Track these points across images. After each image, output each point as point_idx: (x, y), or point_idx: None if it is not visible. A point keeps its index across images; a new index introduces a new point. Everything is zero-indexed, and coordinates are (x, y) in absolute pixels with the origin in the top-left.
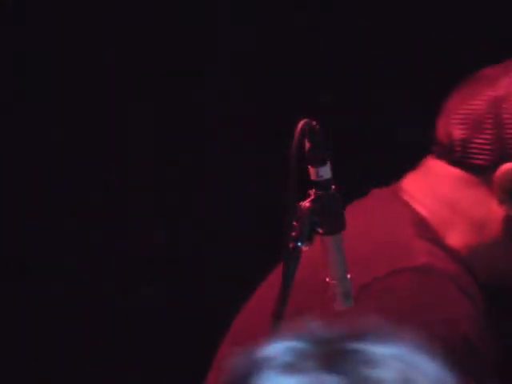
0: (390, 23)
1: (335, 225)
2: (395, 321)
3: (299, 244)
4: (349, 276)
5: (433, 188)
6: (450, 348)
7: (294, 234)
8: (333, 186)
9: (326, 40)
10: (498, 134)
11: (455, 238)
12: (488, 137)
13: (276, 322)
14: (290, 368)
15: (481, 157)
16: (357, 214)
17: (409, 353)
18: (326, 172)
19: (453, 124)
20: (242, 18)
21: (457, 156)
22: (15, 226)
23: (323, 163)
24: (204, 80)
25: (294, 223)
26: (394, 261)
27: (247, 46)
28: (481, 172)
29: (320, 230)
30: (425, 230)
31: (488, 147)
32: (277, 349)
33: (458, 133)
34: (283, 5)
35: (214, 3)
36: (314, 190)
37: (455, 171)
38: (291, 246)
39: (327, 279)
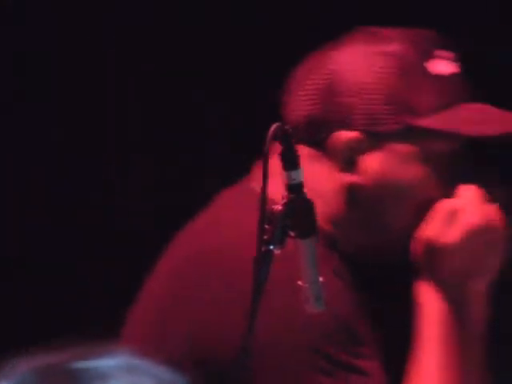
0: None
1: (307, 228)
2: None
3: (271, 247)
4: (321, 279)
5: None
6: (326, 329)
7: (266, 237)
8: (305, 190)
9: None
10: (329, 105)
11: None
12: (322, 111)
13: (249, 328)
14: None
15: (319, 130)
16: (212, 210)
17: (134, 361)
18: (298, 175)
19: (293, 102)
20: (241, 18)
21: (300, 133)
22: (15, 225)
23: (295, 167)
24: (204, 80)
25: (266, 226)
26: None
27: (247, 45)
28: (321, 145)
29: (292, 234)
30: None
31: (324, 120)
32: None
33: (298, 111)
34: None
35: (214, 3)
36: (286, 194)
37: (300, 148)
38: (263, 249)
39: (299, 282)
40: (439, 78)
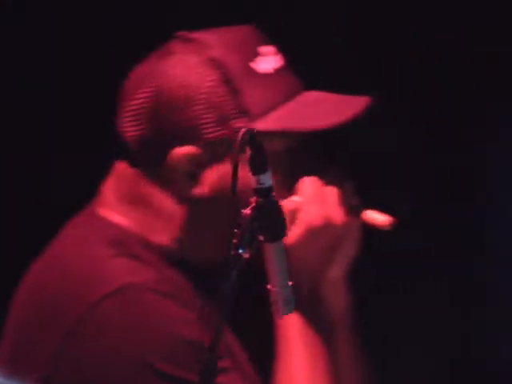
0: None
1: (276, 232)
2: (114, 351)
3: (240, 251)
4: (290, 283)
5: (124, 193)
6: (170, 355)
7: (235, 241)
8: (273, 193)
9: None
10: (158, 124)
11: (159, 236)
12: (151, 131)
13: (217, 330)
14: None
15: (154, 150)
16: (58, 242)
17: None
18: (266, 179)
19: (123, 121)
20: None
21: (133, 154)
22: (15, 225)
23: (264, 171)
24: None
25: (236, 230)
26: (90, 291)
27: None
28: (160, 164)
29: (261, 238)
30: (121, 244)
31: (155, 139)
32: None
33: (128, 132)
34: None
35: (214, 3)
36: (254, 198)
37: (137, 169)
38: (233, 253)
39: (268, 286)
40: (267, 76)
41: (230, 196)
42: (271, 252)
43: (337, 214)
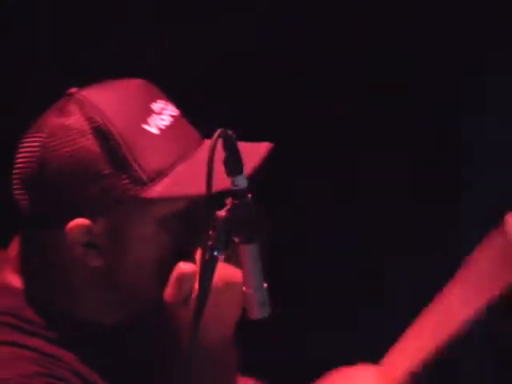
0: None
1: (251, 234)
2: None
3: (215, 253)
4: (265, 285)
5: (23, 261)
6: None
7: (210, 243)
8: (249, 195)
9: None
10: (47, 195)
11: (60, 303)
12: (41, 200)
13: (194, 330)
14: None
15: (48, 222)
16: None
17: None
18: (241, 181)
19: (13, 186)
20: (242, 18)
21: (27, 222)
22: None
23: (239, 172)
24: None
25: (210, 232)
26: None
27: (247, 46)
28: (54, 233)
29: (236, 239)
30: (10, 319)
31: (47, 210)
32: None
33: (18, 196)
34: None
35: (213, 3)
36: (230, 199)
37: (33, 237)
38: (207, 256)
39: (244, 288)
40: (159, 136)
41: (132, 265)
42: (246, 254)
43: (233, 274)
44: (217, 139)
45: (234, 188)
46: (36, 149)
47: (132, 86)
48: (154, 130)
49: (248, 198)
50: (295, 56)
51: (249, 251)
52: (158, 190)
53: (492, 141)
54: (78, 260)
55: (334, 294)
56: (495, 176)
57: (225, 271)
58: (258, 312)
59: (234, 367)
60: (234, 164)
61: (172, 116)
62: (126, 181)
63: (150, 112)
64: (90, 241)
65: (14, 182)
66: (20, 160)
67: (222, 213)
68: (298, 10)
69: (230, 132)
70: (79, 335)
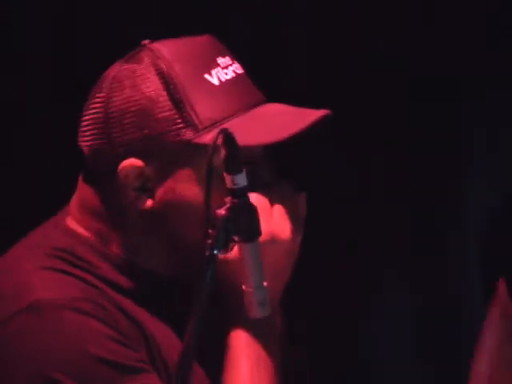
0: None
1: (251, 232)
2: (15, 373)
3: (215, 252)
4: (265, 284)
5: (84, 204)
6: (77, 373)
7: (209, 242)
8: (248, 194)
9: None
10: (107, 137)
11: (115, 246)
12: (102, 143)
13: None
14: None
15: (105, 162)
16: (12, 250)
17: None
18: (241, 180)
19: (80, 133)
20: (241, 18)
21: (89, 166)
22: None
23: (239, 171)
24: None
25: (210, 231)
26: (2, 309)
27: (246, 46)
28: (111, 176)
29: (236, 238)
30: (65, 255)
31: (106, 151)
32: None
33: (83, 144)
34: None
35: (213, 3)
36: (229, 198)
37: (93, 181)
38: (207, 254)
39: (243, 287)
40: (221, 88)
41: (181, 208)
42: (246, 252)
43: (282, 230)
44: (217, 139)
45: (234, 187)
46: (102, 94)
47: (201, 40)
48: (216, 81)
49: (248, 196)
50: (294, 56)
51: (248, 250)
52: (210, 137)
53: (492, 141)
54: (131, 203)
55: (333, 293)
56: (495, 176)
57: (273, 227)
58: (258, 311)
59: (277, 334)
60: (233, 163)
61: (236, 73)
62: (181, 125)
63: (215, 65)
64: (143, 184)
65: (81, 124)
66: (88, 106)
67: (221, 211)
68: (298, 10)
69: (229, 130)
70: (130, 280)
